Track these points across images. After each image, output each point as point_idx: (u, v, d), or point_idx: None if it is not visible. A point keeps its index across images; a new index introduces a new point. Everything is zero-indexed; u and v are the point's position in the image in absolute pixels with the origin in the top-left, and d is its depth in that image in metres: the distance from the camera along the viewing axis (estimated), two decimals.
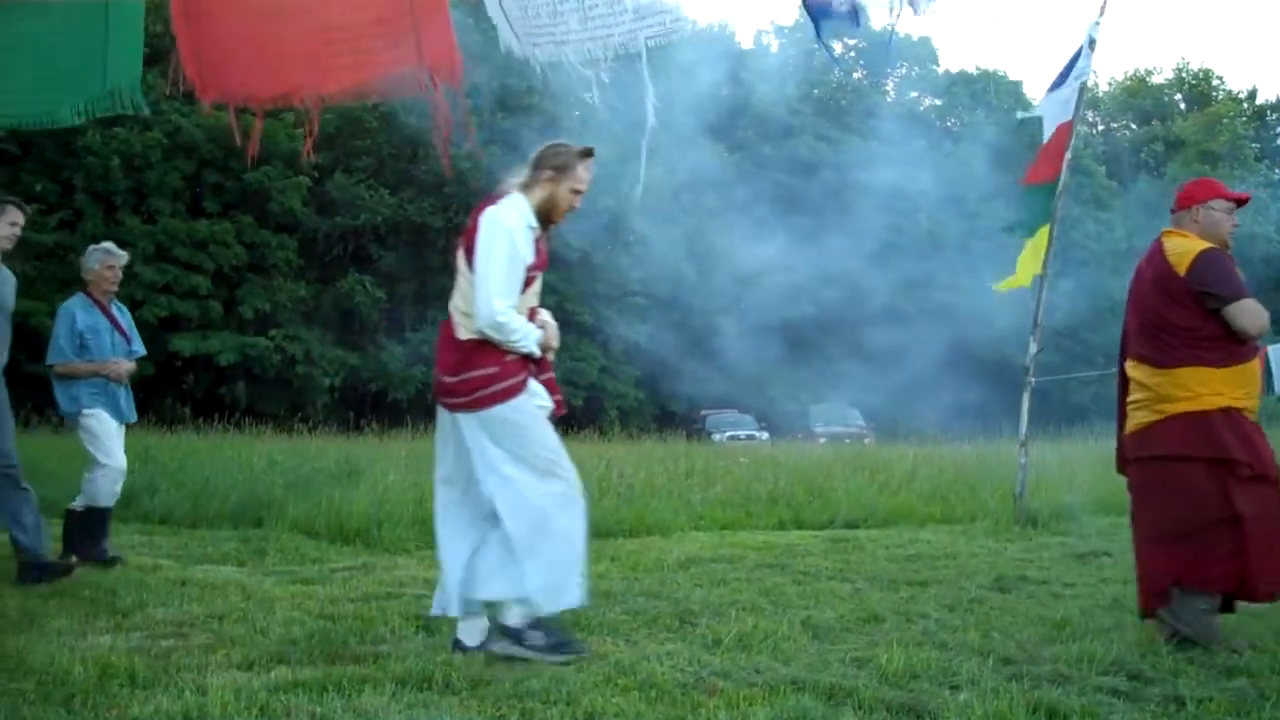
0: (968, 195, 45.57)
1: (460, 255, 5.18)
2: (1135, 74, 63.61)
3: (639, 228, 40.18)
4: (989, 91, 53.70)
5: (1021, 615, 6.20)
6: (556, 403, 5.28)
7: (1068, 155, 10.86)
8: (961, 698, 4.38)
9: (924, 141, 48.42)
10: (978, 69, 55.54)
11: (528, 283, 5.14)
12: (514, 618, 5.04)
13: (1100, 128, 61.72)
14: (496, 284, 4.98)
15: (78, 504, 7.91)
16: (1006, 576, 7.62)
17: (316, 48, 5.72)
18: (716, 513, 11.73)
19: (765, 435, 32.95)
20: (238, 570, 7.73)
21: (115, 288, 8.17)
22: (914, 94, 56.05)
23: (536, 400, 5.16)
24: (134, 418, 8.27)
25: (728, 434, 32.43)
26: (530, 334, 5.11)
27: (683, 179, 39.23)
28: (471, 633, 5.15)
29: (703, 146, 42.28)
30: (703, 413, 36.12)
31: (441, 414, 5.28)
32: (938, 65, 56.20)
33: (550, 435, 5.13)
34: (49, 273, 31.86)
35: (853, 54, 56.17)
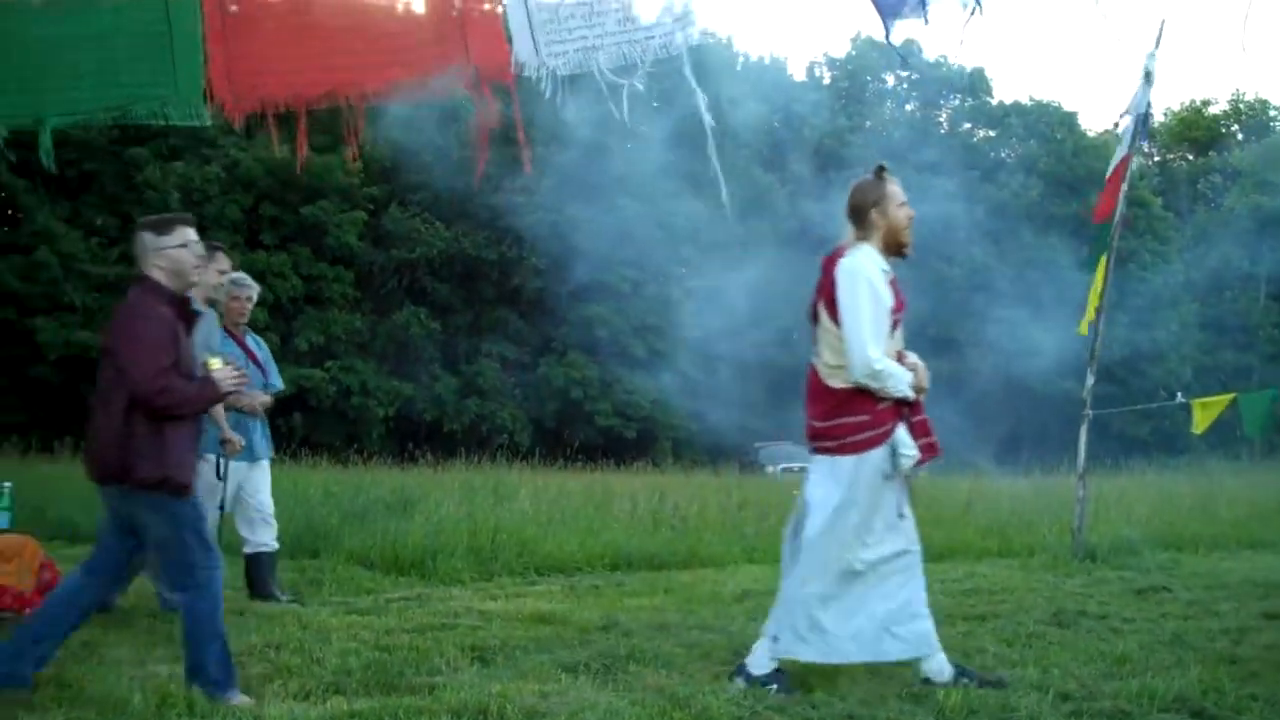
0: (1021, 227, 45.27)
1: (820, 309, 5.28)
2: (1191, 104, 63.11)
3: (690, 258, 40.22)
4: (1042, 122, 53.42)
5: (1081, 651, 6.12)
6: (930, 445, 5.31)
7: (1124, 188, 10.80)
8: None
9: (977, 172, 48.21)
10: (1031, 99, 55.26)
11: (893, 326, 5.24)
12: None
13: (1156, 159, 61.24)
14: (868, 333, 5.08)
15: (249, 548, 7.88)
16: (1065, 611, 7.52)
17: (359, 45, 5.74)
18: (771, 545, 11.66)
19: None
20: (294, 600, 7.77)
21: (245, 318, 7.95)
22: (967, 125, 55.85)
23: (903, 449, 5.18)
24: (270, 454, 8.10)
25: (781, 466, 32.26)
26: (904, 378, 5.17)
27: (733, 211, 39.25)
28: (937, 670, 5.24)
29: (754, 178, 42.30)
30: (756, 445, 35.96)
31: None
32: (991, 96, 55.98)
33: (883, 505, 5.22)
34: (109, 305, 32.28)
35: (904, 86, 56.11)
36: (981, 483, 18.80)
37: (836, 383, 5.19)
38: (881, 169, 5.43)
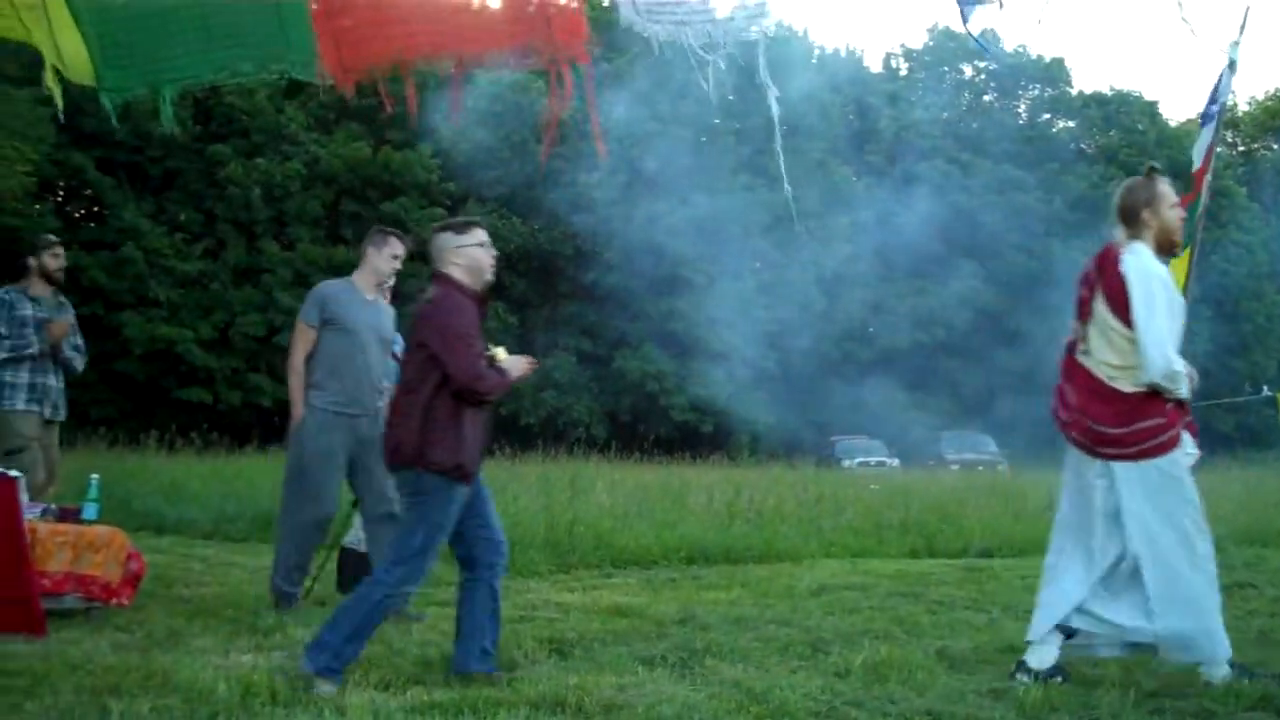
0: (1100, 220, 44.66)
1: (1098, 307, 5.31)
2: (1275, 93, 61.80)
3: (766, 254, 40.11)
4: (1123, 112, 52.64)
5: None
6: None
7: (1208, 178, 10.62)
8: None
9: (1056, 164, 47.65)
10: (1112, 89, 54.42)
11: None
12: (1215, 676, 5.10)
13: (1241, 149, 60.06)
14: (1166, 334, 5.13)
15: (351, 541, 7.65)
16: None
17: (436, 17, 5.87)
18: (847, 540, 11.63)
19: (895, 462, 32.54)
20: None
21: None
22: (1046, 115, 55.14)
23: (1186, 449, 5.27)
24: None
25: (858, 460, 32.10)
26: (1186, 381, 5.22)
27: (809, 205, 39.11)
28: (1042, 657, 5.24)
29: (829, 170, 42.08)
30: (832, 439, 35.83)
31: (1076, 459, 5.45)
32: (1071, 86, 55.21)
33: (1195, 493, 5.24)
34: (193, 300, 32.82)
35: (982, 77, 55.51)
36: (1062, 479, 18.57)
37: (1126, 385, 5.18)
38: (1152, 169, 5.45)
